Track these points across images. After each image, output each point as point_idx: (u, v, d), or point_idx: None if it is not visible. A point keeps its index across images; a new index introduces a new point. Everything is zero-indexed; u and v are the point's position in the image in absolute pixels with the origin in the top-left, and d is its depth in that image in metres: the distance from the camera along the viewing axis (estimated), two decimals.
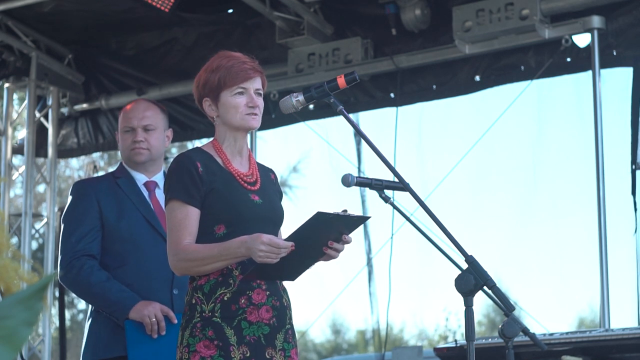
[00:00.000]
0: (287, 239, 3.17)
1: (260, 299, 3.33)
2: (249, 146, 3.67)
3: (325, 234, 3.23)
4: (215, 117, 3.48)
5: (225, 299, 3.30)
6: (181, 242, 3.31)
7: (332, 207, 3.24)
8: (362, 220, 3.30)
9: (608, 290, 6.08)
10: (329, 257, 3.31)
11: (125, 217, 4.13)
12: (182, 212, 3.34)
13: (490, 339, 5.06)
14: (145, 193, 4.20)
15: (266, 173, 3.59)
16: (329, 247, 3.25)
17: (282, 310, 3.38)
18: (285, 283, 3.49)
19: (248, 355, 3.27)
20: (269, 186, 3.54)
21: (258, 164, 3.60)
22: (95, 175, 9.42)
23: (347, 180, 3.81)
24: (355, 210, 3.31)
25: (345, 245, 3.31)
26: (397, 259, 7.19)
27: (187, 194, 3.35)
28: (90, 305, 4.24)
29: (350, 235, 3.31)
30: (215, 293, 3.30)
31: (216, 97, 3.43)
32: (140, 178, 4.24)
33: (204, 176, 3.37)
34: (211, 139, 3.58)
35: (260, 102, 3.45)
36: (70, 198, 4.25)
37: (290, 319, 3.43)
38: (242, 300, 3.30)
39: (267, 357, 3.31)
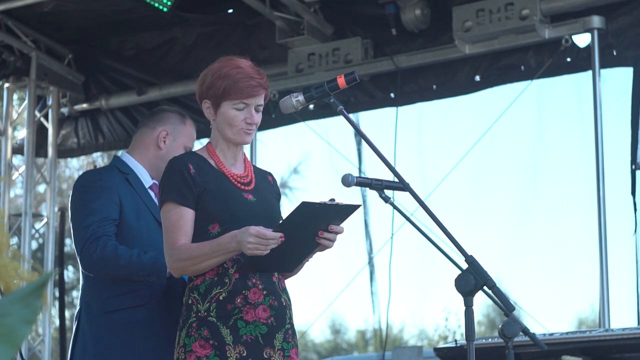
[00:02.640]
0: (274, 230, 3.17)
1: (256, 298, 3.32)
2: (249, 148, 3.67)
3: (316, 224, 3.23)
4: (211, 120, 3.49)
5: (221, 298, 3.30)
6: (176, 242, 3.32)
7: (324, 198, 3.23)
8: (351, 208, 3.29)
9: (608, 290, 6.08)
10: (324, 247, 3.31)
11: (143, 218, 3.96)
12: (176, 214, 3.35)
13: (490, 339, 5.06)
14: (152, 194, 4.08)
15: (263, 175, 3.59)
16: (321, 237, 3.25)
17: (281, 310, 3.38)
18: (285, 282, 3.49)
19: (245, 354, 3.26)
20: (265, 187, 3.54)
21: (255, 167, 3.60)
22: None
23: (347, 181, 3.81)
24: (352, 201, 3.31)
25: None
26: (397, 259, 7.19)
27: (180, 195, 3.35)
28: (80, 312, 4.06)
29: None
30: (211, 293, 3.31)
31: (217, 104, 3.44)
32: (148, 180, 4.11)
33: (196, 177, 3.38)
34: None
35: (258, 118, 3.45)
36: (82, 187, 4.03)
37: (291, 318, 3.43)
38: (238, 300, 3.30)
39: (265, 356, 3.30)
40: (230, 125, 3.42)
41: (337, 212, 3.25)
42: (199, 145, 4.46)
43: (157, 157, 4.12)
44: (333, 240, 3.30)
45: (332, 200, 3.20)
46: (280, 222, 3.20)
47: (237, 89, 3.40)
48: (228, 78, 3.41)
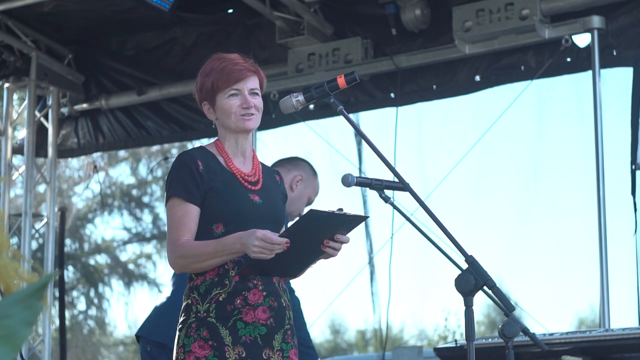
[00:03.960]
0: (281, 235, 3.17)
1: (256, 299, 3.32)
2: None
3: (323, 232, 3.22)
4: (214, 120, 3.49)
5: (221, 299, 3.29)
6: (180, 239, 3.31)
7: (332, 207, 3.23)
8: (359, 219, 3.28)
9: (608, 290, 6.08)
10: (328, 256, 3.31)
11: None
12: (181, 210, 3.34)
13: (490, 339, 5.06)
14: None
15: (270, 174, 3.58)
16: (326, 246, 3.25)
17: (281, 311, 3.37)
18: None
19: (244, 355, 3.26)
20: (272, 187, 3.53)
21: (263, 165, 3.58)
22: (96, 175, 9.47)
23: (347, 181, 3.81)
24: (355, 210, 3.30)
25: (346, 245, 3.30)
26: (397, 259, 7.19)
27: (187, 191, 3.35)
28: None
29: (350, 235, 3.29)
30: (211, 293, 3.30)
31: (212, 101, 3.44)
32: None
33: (204, 175, 3.37)
34: (212, 139, 3.58)
35: (256, 101, 3.43)
36: None
37: (290, 319, 3.42)
38: (238, 301, 3.30)
39: (264, 357, 3.30)
40: (228, 115, 3.41)
41: (345, 222, 3.24)
42: (197, 144, 4.50)
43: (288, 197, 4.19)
44: (338, 250, 3.29)
45: (341, 209, 3.20)
46: (287, 228, 3.19)
47: (223, 78, 3.40)
48: (213, 72, 3.42)
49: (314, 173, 4.71)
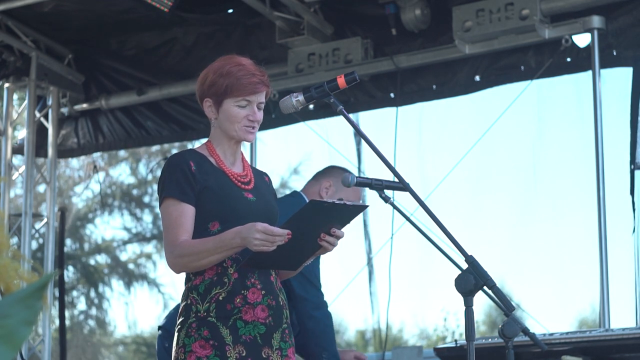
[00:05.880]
0: (282, 227, 3.17)
1: (255, 298, 3.32)
2: (249, 148, 3.68)
3: (322, 224, 3.23)
4: (213, 119, 3.49)
5: (221, 298, 3.30)
6: (177, 238, 3.31)
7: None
8: (359, 209, 3.29)
9: (608, 290, 6.08)
10: (324, 250, 3.32)
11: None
12: (177, 210, 3.34)
13: (490, 339, 5.06)
14: None
15: (260, 176, 3.60)
16: (323, 239, 3.25)
17: (279, 310, 3.38)
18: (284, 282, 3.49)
19: (244, 354, 3.27)
20: (263, 187, 3.55)
21: (252, 167, 3.61)
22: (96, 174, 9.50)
23: (347, 180, 3.81)
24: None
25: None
26: (397, 259, 7.19)
27: (181, 191, 3.35)
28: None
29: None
30: (210, 293, 3.30)
31: (219, 102, 3.44)
32: None
33: (197, 175, 3.38)
34: None
35: (260, 115, 3.46)
36: None
37: (287, 318, 3.43)
38: (237, 300, 3.30)
39: (264, 356, 3.31)
40: (233, 123, 3.42)
41: (344, 213, 3.25)
42: (197, 145, 4.50)
43: None
44: (334, 245, 3.29)
45: (341, 200, 3.21)
46: (288, 219, 3.19)
47: (239, 86, 3.41)
48: (230, 75, 3.42)
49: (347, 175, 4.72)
